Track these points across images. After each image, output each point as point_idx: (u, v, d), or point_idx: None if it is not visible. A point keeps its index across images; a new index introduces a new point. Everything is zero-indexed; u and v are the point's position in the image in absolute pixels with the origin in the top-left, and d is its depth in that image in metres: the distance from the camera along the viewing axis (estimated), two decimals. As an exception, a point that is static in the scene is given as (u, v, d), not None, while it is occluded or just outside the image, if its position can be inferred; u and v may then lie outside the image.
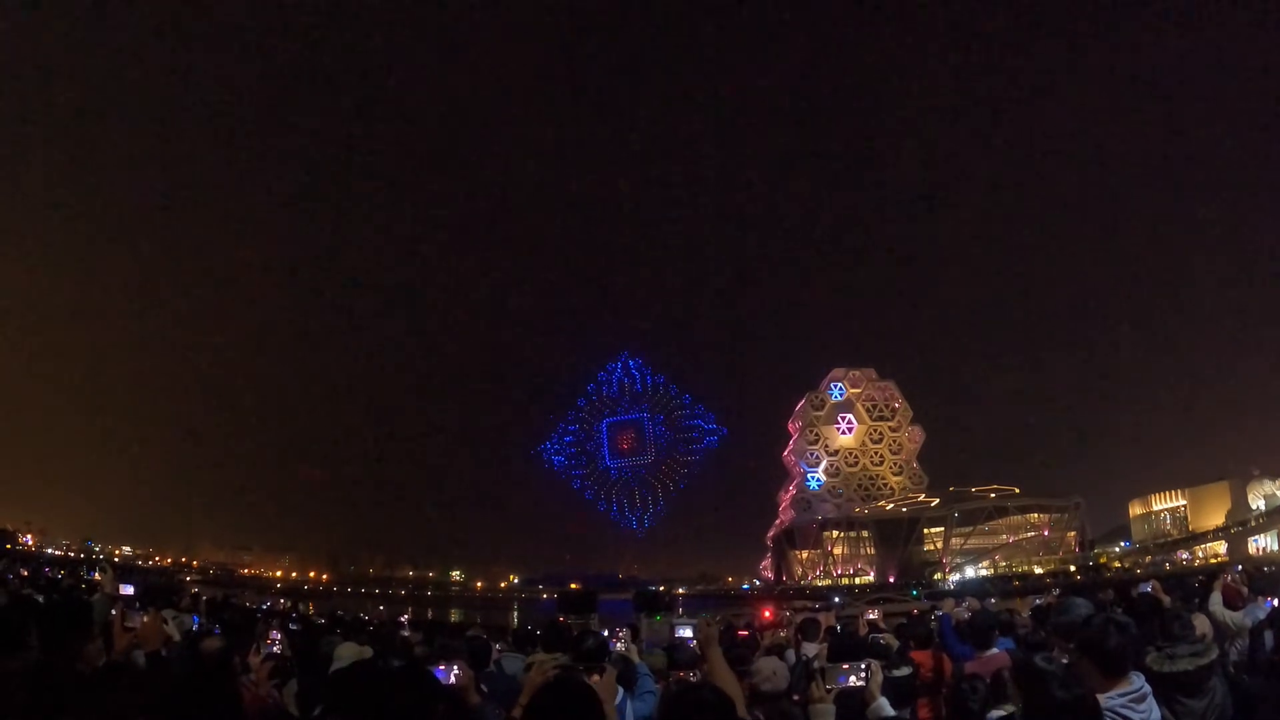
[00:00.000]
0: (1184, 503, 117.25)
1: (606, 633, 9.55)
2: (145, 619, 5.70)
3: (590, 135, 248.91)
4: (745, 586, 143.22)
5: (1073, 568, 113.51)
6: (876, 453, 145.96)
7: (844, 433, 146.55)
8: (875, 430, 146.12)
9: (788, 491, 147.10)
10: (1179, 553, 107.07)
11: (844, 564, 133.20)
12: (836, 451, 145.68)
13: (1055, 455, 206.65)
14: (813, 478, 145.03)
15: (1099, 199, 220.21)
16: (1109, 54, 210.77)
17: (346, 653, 7.23)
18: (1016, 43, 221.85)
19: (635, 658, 7.30)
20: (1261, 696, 6.90)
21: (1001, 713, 5.46)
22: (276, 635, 8.05)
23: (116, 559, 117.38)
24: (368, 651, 7.41)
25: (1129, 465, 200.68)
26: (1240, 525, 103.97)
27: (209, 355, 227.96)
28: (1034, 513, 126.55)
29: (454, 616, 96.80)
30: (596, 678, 4.27)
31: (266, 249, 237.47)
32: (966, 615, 9.46)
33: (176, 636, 8.26)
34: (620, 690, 5.54)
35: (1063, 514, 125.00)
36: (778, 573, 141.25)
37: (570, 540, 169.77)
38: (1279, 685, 7.39)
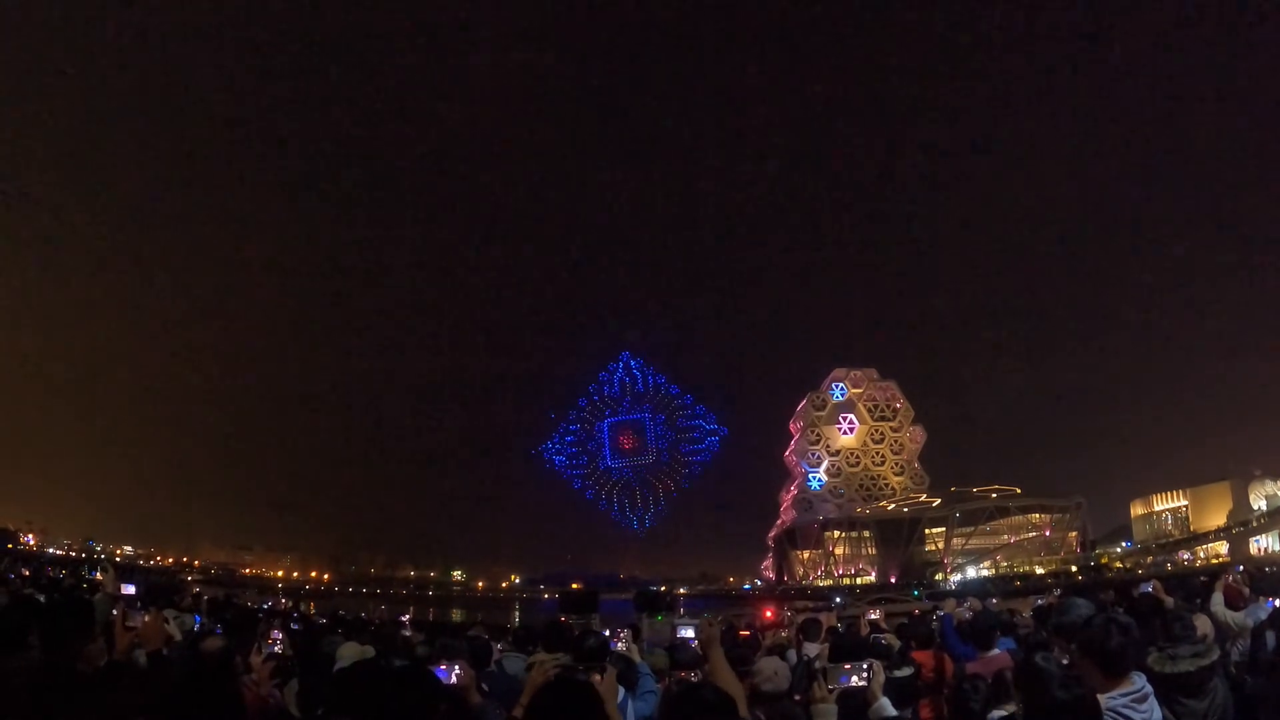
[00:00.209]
0: (1185, 503, 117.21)
1: (608, 633, 9.55)
2: (146, 619, 5.71)
3: (591, 135, 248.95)
4: (746, 586, 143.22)
5: (1074, 568, 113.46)
6: (878, 453, 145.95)
7: (845, 433, 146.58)
8: (877, 430, 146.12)
9: (789, 492, 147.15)
10: (1180, 553, 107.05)
11: (845, 564, 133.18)
12: (838, 452, 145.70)
13: (1057, 455, 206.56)
14: (814, 478, 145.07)
15: (1099, 199, 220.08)
16: (1109, 54, 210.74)
17: (348, 653, 7.24)
18: (1016, 43, 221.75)
19: (636, 657, 7.31)
20: (1263, 697, 6.89)
21: (1003, 713, 5.47)
22: (278, 635, 8.04)
23: (118, 559, 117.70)
24: (369, 651, 7.42)
25: (1130, 465, 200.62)
26: (1242, 525, 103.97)
27: (210, 355, 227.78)
28: (1035, 513, 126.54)
29: (455, 616, 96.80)
30: (598, 677, 4.27)
31: (267, 249, 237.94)
32: (968, 615, 9.47)
33: (178, 636, 8.27)
34: (622, 690, 5.55)
35: (1064, 514, 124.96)
36: (779, 573, 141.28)
37: (571, 540, 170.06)
38: (1280, 686, 7.38)
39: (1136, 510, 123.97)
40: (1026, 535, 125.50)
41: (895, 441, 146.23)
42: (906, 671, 7.83)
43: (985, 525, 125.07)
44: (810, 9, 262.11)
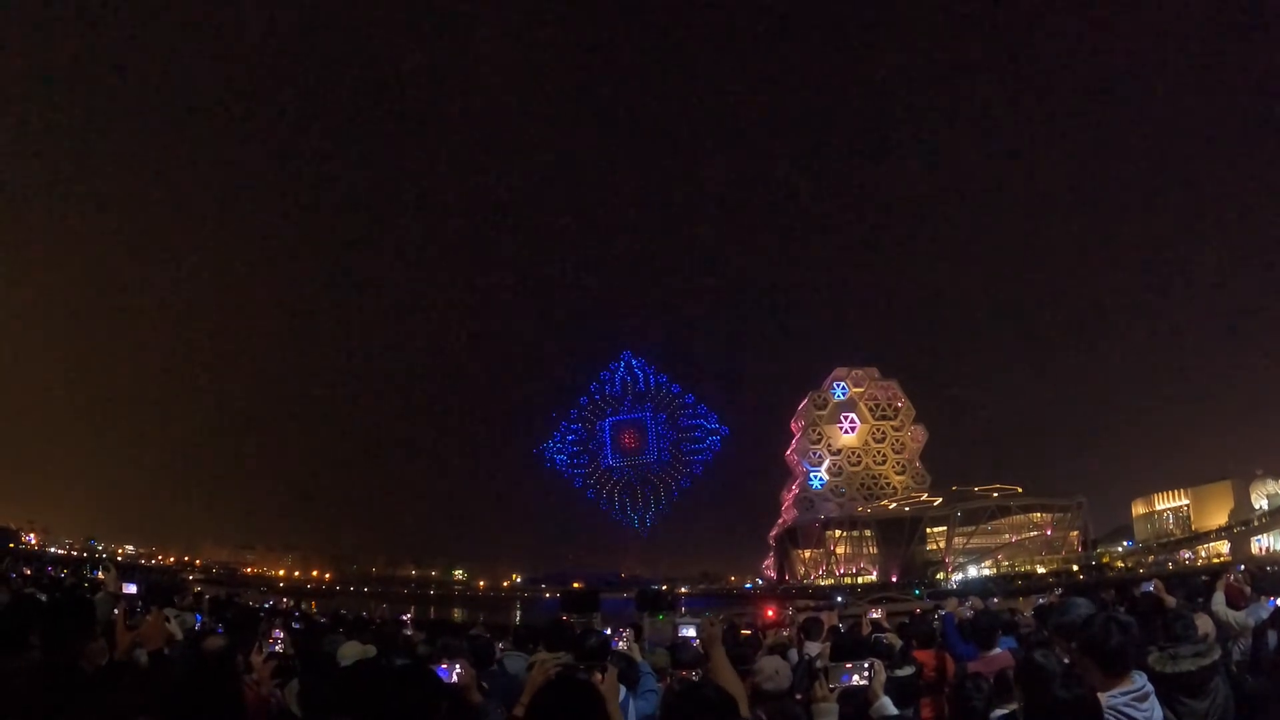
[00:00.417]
0: (1187, 502, 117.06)
1: (609, 631, 9.55)
2: (148, 619, 5.72)
3: (591, 135, 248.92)
4: (748, 586, 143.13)
5: (1075, 567, 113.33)
6: (879, 452, 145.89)
7: (847, 432, 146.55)
8: (878, 429, 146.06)
9: (790, 491, 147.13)
10: (1182, 552, 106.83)
11: (847, 563, 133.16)
12: (839, 451, 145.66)
13: (1058, 455, 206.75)
14: (815, 477, 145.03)
15: (1100, 199, 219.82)
16: (1109, 54, 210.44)
17: (350, 652, 7.25)
18: (1016, 43, 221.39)
19: (638, 656, 7.31)
20: (1264, 696, 6.88)
21: (1004, 711, 5.47)
22: (279, 634, 8.05)
23: (119, 558, 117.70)
24: (371, 650, 7.43)
25: (1132, 465, 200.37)
26: (1243, 525, 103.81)
27: (211, 355, 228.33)
28: (1037, 512, 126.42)
29: (457, 615, 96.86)
30: (599, 676, 4.27)
31: (268, 249, 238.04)
32: (969, 615, 9.46)
33: (179, 635, 8.29)
34: (623, 689, 5.55)
35: (1065, 513, 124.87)
36: (780, 572, 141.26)
37: (573, 539, 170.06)
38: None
39: (1138, 509, 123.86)
40: (1028, 534, 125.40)
41: (897, 440, 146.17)
42: (908, 670, 7.83)
43: (987, 524, 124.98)
44: (811, 9, 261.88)
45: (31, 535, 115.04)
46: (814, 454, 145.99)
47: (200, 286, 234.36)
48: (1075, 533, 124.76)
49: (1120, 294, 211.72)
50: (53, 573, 32.71)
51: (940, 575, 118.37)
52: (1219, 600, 8.81)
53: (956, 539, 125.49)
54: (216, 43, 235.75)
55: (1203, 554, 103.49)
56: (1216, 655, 5.77)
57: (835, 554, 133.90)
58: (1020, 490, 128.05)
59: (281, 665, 6.67)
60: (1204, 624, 6.97)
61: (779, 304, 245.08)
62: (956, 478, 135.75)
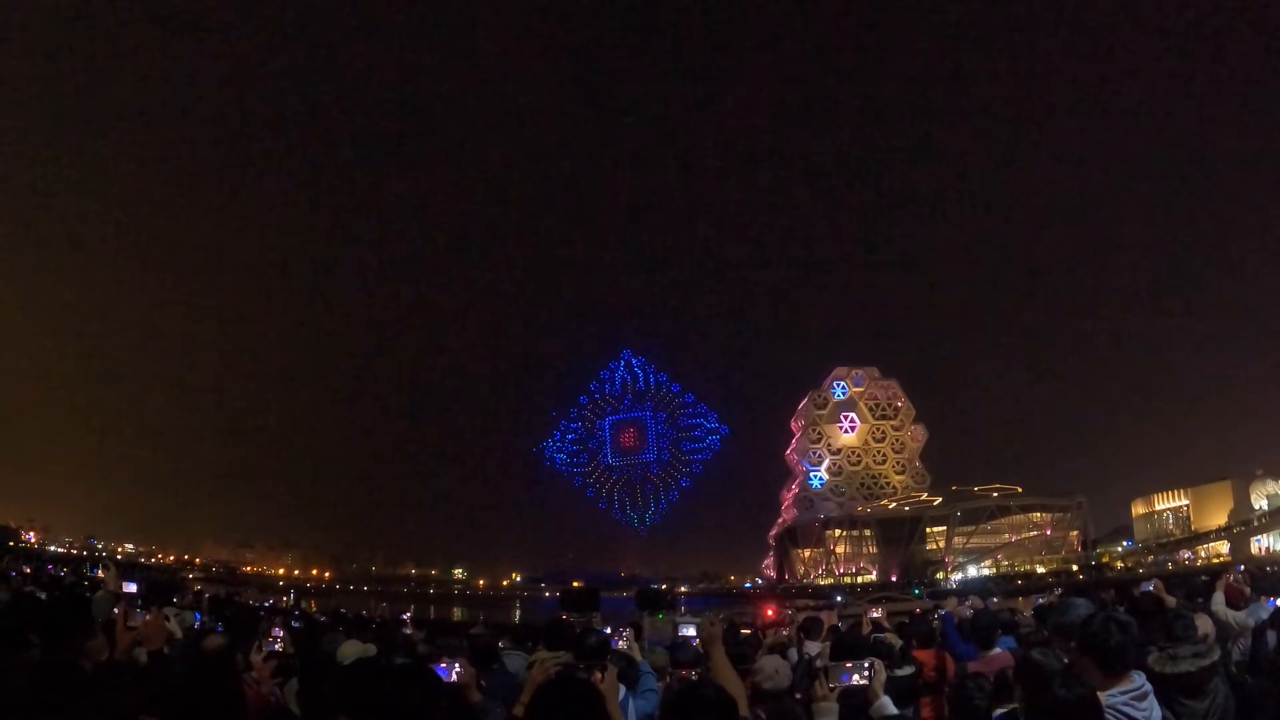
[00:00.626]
0: (1187, 502, 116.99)
1: (609, 631, 9.53)
2: (148, 619, 5.71)
3: (592, 135, 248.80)
4: (748, 585, 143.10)
5: (1075, 567, 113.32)
6: (879, 451, 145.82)
7: (846, 431, 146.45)
8: (878, 429, 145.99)
9: (790, 490, 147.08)
10: (1181, 552, 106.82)
11: (846, 563, 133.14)
12: (839, 450, 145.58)
13: (1058, 454, 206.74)
14: (815, 476, 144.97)
15: (1100, 199, 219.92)
16: (1109, 54, 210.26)
17: (349, 651, 7.25)
18: (1015, 44, 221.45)
19: (638, 656, 7.31)
20: (1264, 697, 6.88)
21: (1004, 711, 5.46)
22: (279, 633, 8.03)
23: (119, 556, 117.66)
24: (371, 649, 7.44)
25: (1131, 464, 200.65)
26: (1243, 525, 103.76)
27: (211, 353, 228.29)
28: (1036, 512, 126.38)
29: (456, 614, 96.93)
30: (599, 675, 4.27)
31: (269, 248, 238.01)
32: (969, 614, 9.46)
33: (178, 633, 8.28)
34: (623, 688, 5.54)
35: (1065, 513, 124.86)
36: (780, 571, 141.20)
37: (572, 538, 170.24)
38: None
39: (1137, 509, 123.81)
40: (1028, 534, 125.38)
41: (896, 440, 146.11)
42: (908, 670, 7.83)
43: (986, 524, 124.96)
44: (812, 9, 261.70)
45: (31, 534, 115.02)
46: (814, 453, 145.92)
47: (200, 286, 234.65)
48: (1075, 533, 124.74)
49: (1120, 294, 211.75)
50: (53, 571, 32.64)
51: (940, 575, 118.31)
52: (1219, 600, 8.81)
53: (956, 539, 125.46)
54: (216, 42, 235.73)
55: (1202, 554, 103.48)
56: (1216, 656, 5.76)
57: (835, 553, 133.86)
58: (1020, 490, 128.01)
59: (281, 664, 6.66)
60: (1204, 624, 6.97)
61: (779, 304, 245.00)
62: (956, 477, 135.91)
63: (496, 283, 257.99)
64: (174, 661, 6.09)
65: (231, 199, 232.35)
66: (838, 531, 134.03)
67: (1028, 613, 12.80)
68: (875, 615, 11.73)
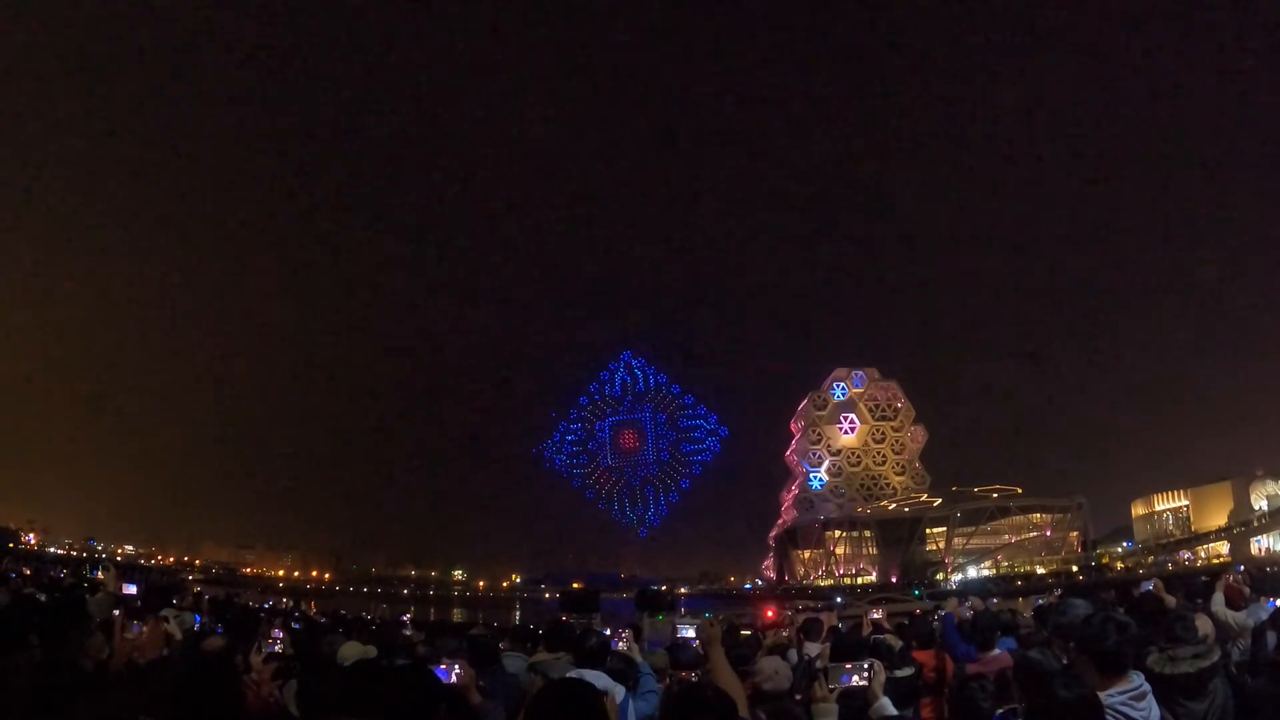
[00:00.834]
0: (1186, 503, 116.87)
1: (609, 632, 9.54)
2: (145, 629, 5.69)
3: (592, 135, 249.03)
4: (748, 586, 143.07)
5: (1075, 568, 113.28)
6: (879, 452, 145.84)
7: (846, 432, 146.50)
8: (878, 430, 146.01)
9: (790, 491, 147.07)
10: (1181, 553, 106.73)
11: (846, 564, 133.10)
12: (839, 451, 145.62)
13: (1058, 455, 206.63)
14: (815, 477, 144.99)
15: (1099, 199, 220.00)
16: (1108, 54, 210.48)
17: (349, 652, 7.24)
18: (1015, 45, 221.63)
19: (637, 657, 7.31)
20: (1264, 697, 6.87)
21: (1003, 710, 5.46)
22: (279, 634, 8.04)
23: (119, 558, 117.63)
24: (371, 651, 7.43)
25: (1131, 465, 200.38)
26: (1243, 525, 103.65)
27: (212, 354, 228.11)
28: (1036, 513, 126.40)
29: (456, 616, 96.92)
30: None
31: (269, 249, 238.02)
32: (969, 615, 9.45)
33: (178, 635, 8.27)
34: (623, 689, 5.55)
35: (1065, 514, 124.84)
36: (780, 572, 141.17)
37: (572, 540, 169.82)
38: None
39: (1137, 510, 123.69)
40: (1027, 535, 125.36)
41: (896, 441, 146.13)
42: (907, 671, 7.81)
43: (986, 525, 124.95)
44: (811, 9, 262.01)
45: (31, 535, 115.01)
46: (814, 454, 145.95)
47: (200, 287, 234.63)
48: (1075, 533, 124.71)
49: (1120, 295, 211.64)
50: (53, 573, 32.65)
51: (940, 576, 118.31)
52: (1218, 601, 8.79)
53: (956, 539, 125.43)
54: (217, 43, 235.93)
55: (1202, 555, 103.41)
56: (1216, 657, 5.76)
57: (835, 554, 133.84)
58: (1020, 491, 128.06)
59: (281, 665, 6.66)
60: (1204, 625, 6.97)
61: (779, 304, 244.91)
62: (956, 478, 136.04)
63: (496, 283, 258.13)
64: (174, 663, 6.09)
65: (231, 201, 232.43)
66: (837, 532, 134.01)
67: (1027, 613, 12.77)
68: (875, 616, 11.70)
